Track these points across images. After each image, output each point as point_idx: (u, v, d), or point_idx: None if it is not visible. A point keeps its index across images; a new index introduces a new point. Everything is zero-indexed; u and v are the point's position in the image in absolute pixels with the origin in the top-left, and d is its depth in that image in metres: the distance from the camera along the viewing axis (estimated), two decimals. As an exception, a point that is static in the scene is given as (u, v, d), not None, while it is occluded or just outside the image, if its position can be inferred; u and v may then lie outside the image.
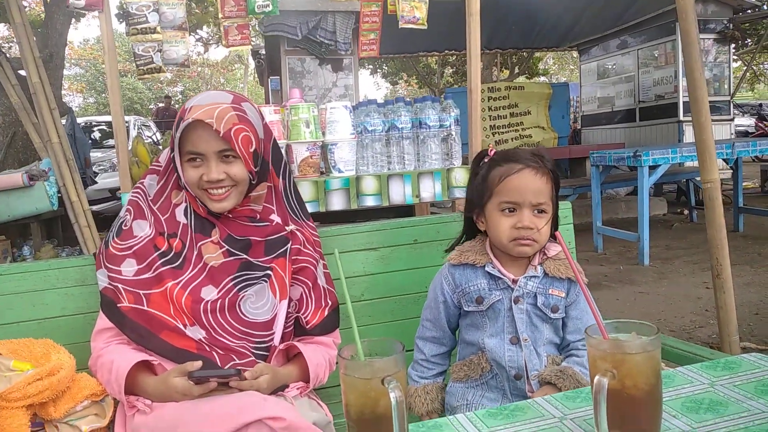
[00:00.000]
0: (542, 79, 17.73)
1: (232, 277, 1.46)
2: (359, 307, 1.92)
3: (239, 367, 1.31)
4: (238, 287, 1.45)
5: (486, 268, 1.41)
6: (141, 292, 1.40)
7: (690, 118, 7.76)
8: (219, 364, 1.36)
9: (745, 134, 14.16)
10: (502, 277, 1.39)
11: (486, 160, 1.42)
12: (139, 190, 1.53)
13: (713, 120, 7.49)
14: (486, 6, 2.78)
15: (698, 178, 7.01)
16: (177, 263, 1.43)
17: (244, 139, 1.39)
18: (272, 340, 1.46)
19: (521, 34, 9.34)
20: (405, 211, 4.22)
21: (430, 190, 2.54)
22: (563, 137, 9.05)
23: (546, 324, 1.40)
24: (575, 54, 10.47)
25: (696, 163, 7.08)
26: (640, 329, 0.90)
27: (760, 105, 17.48)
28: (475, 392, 1.43)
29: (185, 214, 1.48)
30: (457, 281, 1.43)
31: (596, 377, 0.84)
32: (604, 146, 7.61)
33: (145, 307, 1.39)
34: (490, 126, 8.28)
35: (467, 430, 0.98)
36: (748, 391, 1.03)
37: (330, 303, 1.59)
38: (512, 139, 8.47)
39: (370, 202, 2.49)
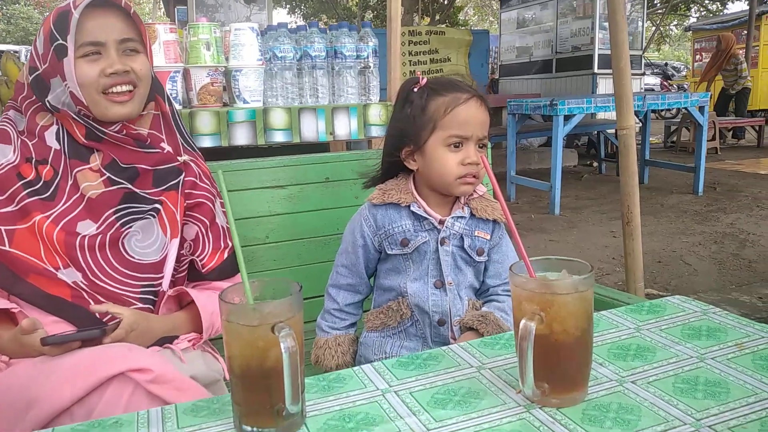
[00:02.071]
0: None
1: (114, 209, 1.25)
2: (263, 250, 1.76)
3: (111, 323, 1.13)
4: (121, 222, 1.26)
5: (411, 208, 1.28)
6: (2, 228, 1.18)
7: (604, 71, 7.91)
8: (97, 316, 1.18)
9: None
10: (428, 217, 1.28)
11: (416, 90, 1.26)
12: (5, 118, 1.29)
13: (611, 75, 7.66)
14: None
15: (609, 131, 7.23)
16: (47, 194, 1.22)
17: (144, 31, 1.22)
18: (161, 284, 1.28)
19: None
20: (318, 151, 4.02)
21: (345, 127, 2.36)
22: (481, 86, 9.03)
23: (469, 267, 1.31)
24: (495, 6, 10.39)
25: (607, 115, 7.28)
26: (571, 267, 0.80)
27: (666, 64, 18.24)
28: (393, 342, 1.32)
29: (57, 139, 1.25)
30: (380, 222, 1.30)
31: (522, 321, 0.73)
32: (521, 96, 7.65)
33: (7, 247, 1.17)
34: (410, 71, 8.09)
35: (375, 383, 0.85)
36: (675, 336, 0.96)
37: (230, 244, 1.43)
38: (432, 85, 8.34)
39: (279, 137, 2.29)
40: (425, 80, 1.28)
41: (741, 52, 9.62)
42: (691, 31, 15.13)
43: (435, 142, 1.23)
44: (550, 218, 5.29)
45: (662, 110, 12.40)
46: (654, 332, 0.98)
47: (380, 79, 2.45)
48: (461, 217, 1.29)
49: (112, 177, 1.26)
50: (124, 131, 1.27)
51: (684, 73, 17.44)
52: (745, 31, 11.97)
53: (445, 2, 13.84)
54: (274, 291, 0.78)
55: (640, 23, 8.26)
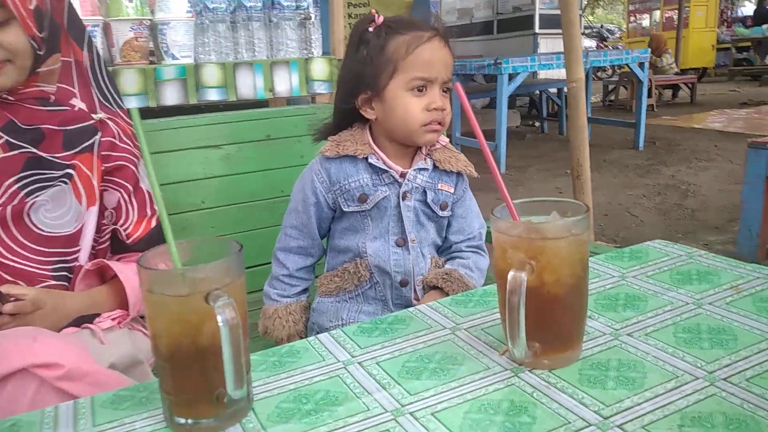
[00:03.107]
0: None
1: (16, 178, 1.07)
2: (199, 216, 1.59)
3: (13, 297, 0.96)
4: (25, 191, 1.07)
5: (369, 161, 1.14)
6: None
7: (545, 31, 7.86)
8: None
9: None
10: (388, 170, 1.14)
11: (372, 29, 1.11)
12: None
13: (552, 35, 7.64)
14: None
15: (551, 90, 7.23)
16: None
17: None
18: (77, 258, 1.11)
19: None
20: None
21: (285, 83, 2.19)
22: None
23: (432, 223, 1.20)
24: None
25: (549, 74, 7.25)
26: (561, 208, 0.68)
27: (601, 26, 18.50)
28: (349, 307, 1.20)
29: None
30: (334, 177, 1.16)
31: (510, 273, 0.61)
32: (463, 57, 7.54)
33: None
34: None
35: (334, 355, 0.72)
36: (664, 281, 0.87)
37: (158, 210, 1.26)
38: (372, 49, 8.13)
39: (213, 95, 2.10)
40: (381, 18, 1.12)
41: (669, 49, 9.78)
42: (625, -8, 15.33)
43: (396, 87, 1.09)
44: (498, 179, 5.25)
45: (600, 70, 12.57)
46: (641, 279, 0.88)
47: (323, 32, 2.28)
48: (424, 169, 1.17)
49: (11, 140, 1.07)
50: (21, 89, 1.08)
51: (618, 35, 17.75)
52: (677, -9, 12.21)
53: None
54: (208, 253, 0.64)
55: (577, -18, 8.23)
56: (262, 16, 2.15)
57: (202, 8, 2.08)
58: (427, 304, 0.86)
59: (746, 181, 2.34)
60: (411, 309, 0.84)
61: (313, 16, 2.19)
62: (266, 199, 1.66)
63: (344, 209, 1.16)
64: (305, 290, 1.27)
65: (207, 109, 2.11)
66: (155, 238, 1.22)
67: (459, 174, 1.21)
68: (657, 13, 13.53)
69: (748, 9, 18.97)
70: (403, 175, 1.15)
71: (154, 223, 1.24)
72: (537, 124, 7.82)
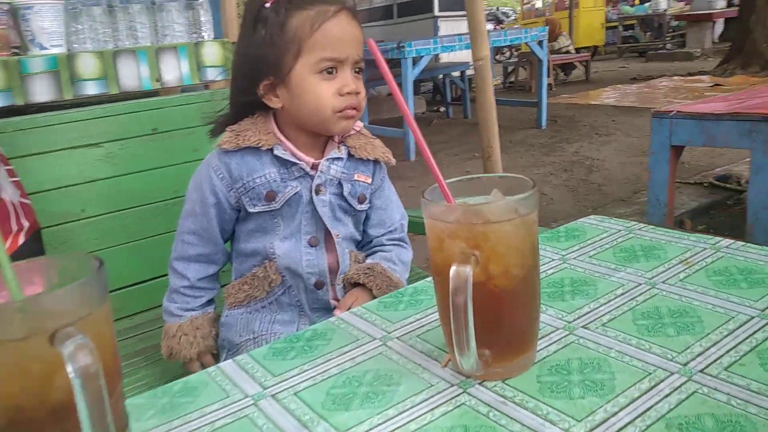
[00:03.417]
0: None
1: None
2: (80, 227, 1.38)
3: None
4: None
5: (275, 152, 1.00)
6: None
7: (445, 14, 7.88)
8: None
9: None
10: (297, 162, 1.01)
11: (268, 4, 0.96)
12: None
13: (463, 16, 7.69)
14: None
15: (455, 73, 7.27)
16: None
17: None
18: None
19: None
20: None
21: (174, 71, 1.98)
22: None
23: (349, 217, 1.08)
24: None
25: (451, 57, 7.28)
26: (502, 185, 0.57)
27: (497, 9, 18.96)
28: (262, 318, 1.05)
29: None
30: (236, 173, 1.00)
31: (452, 268, 0.50)
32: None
33: None
34: (246, 24, 7.56)
35: (241, 388, 0.58)
36: (609, 261, 0.79)
37: (27, 224, 1.07)
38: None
39: (91, 89, 1.87)
40: None
41: (564, 32, 10.10)
42: (516, -24, 15.74)
43: (302, 70, 0.95)
44: (407, 164, 5.20)
45: (498, 52, 12.84)
46: (583, 261, 0.80)
47: (213, 14, 2.09)
48: (338, 158, 1.04)
49: None
50: None
51: (513, 18, 18.26)
52: (566, -27, 12.66)
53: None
54: (60, 275, 0.48)
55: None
56: (143, -1, 1.94)
57: (71, -10, 1.84)
58: (351, 310, 0.74)
59: (651, 151, 2.36)
60: (332, 319, 0.71)
61: (200, -4, 2.00)
62: (158, 201, 1.48)
63: (250, 210, 1.01)
64: (211, 301, 1.11)
65: (86, 104, 1.88)
66: (25, 257, 1.02)
67: (376, 162, 1.09)
68: (548, -5, 13.99)
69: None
70: (314, 167, 1.01)
71: (21, 240, 1.05)
72: (442, 109, 7.85)
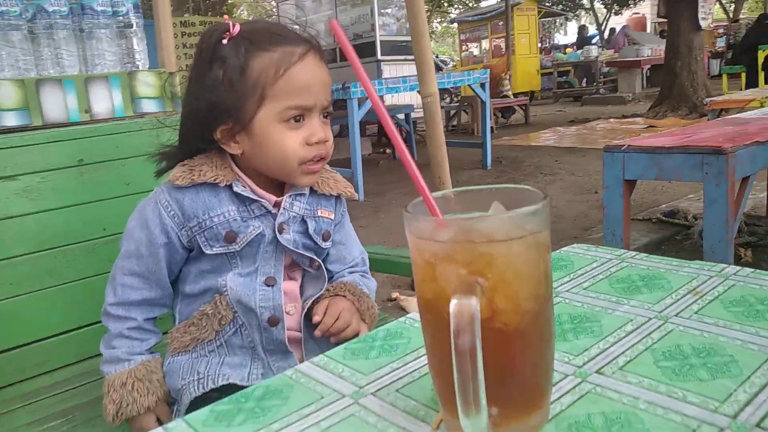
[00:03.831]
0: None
1: None
2: (-4, 271, 1.21)
3: None
4: None
5: (235, 189, 0.91)
6: None
7: (387, 58, 7.96)
8: None
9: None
10: (258, 199, 0.92)
11: (226, 41, 0.87)
12: None
13: (407, 60, 7.79)
14: None
15: (399, 116, 7.29)
16: None
17: None
18: None
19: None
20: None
21: (105, 102, 1.82)
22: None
23: (311, 252, 0.99)
24: (273, 3, 10.06)
25: (395, 100, 7.31)
26: (503, 197, 0.46)
27: (436, 56, 19.43)
28: (209, 362, 0.92)
29: None
30: (189, 211, 0.91)
31: (454, 301, 0.38)
32: (310, 86, 7.39)
33: None
34: (187, 65, 7.39)
35: (174, 467, 0.44)
36: (607, 293, 0.69)
37: None
38: (213, 80, 7.73)
39: (11, 120, 1.68)
40: (238, 27, 0.88)
41: (506, 76, 10.40)
42: (456, 24, 16.23)
43: (266, 118, 0.87)
44: (356, 204, 5.10)
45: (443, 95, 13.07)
46: (578, 294, 0.70)
47: (149, 42, 1.96)
48: (300, 194, 0.96)
49: None
50: None
51: (452, 65, 18.73)
52: (502, 22, 13.12)
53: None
54: None
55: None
56: (70, 23, 1.79)
57: (-12, 13, 1.68)
58: (311, 361, 0.60)
59: (605, 185, 2.34)
60: (289, 372, 0.58)
61: (134, 23, 1.86)
62: (85, 240, 1.32)
63: (206, 251, 0.91)
64: (155, 346, 0.98)
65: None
66: None
67: (337, 197, 1.02)
68: (486, 42, 14.43)
69: (562, 38, 20.96)
70: (276, 205, 0.93)
71: None
72: (388, 150, 7.84)
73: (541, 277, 0.43)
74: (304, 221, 0.96)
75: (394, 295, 2.71)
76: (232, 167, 0.93)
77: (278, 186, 0.95)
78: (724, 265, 0.73)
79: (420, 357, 0.59)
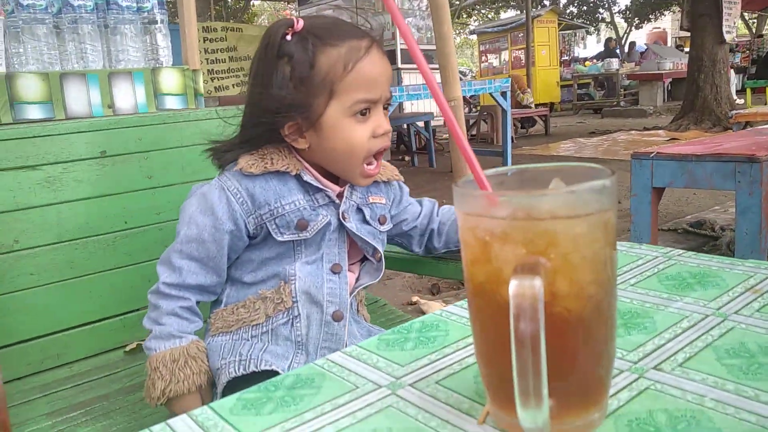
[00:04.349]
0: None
1: None
2: (13, 260, 1.19)
3: None
4: None
5: (304, 178, 0.92)
6: None
7: (407, 66, 7.96)
8: None
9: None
10: (324, 189, 0.94)
11: (290, 37, 0.88)
12: None
13: (416, 70, 7.75)
14: None
15: (419, 123, 7.27)
16: None
17: None
18: None
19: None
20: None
21: (129, 97, 1.81)
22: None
23: (377, 240, 1.01)
24: (294, 12, 10.14)
25: (414, 108, 7.29)
26: (568, 176, 0.43)
27: (456, 67, 19.41)
28: (252, 346, 0.91)
29: None
30: (260, 199, 0.91)
31: (514, 281, 0.35)
32: (329, 93, 7.40)
33: None
34: (209, 70, 7.43)
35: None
36: (659, 290, 0.64)
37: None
38: (233, 85, 7.74)
39: (34, 113, 1.68)
40: (302, 23, 0.89)
41: (527, 93, 10.36)
42: (476, 35, 16.23)
43: (336, 113, 0.88)
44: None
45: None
46: (627, 290, 0.65)
47: (173, 39, 1.95)
48: (353, 185, 0.99)
49: None
50: None
51: (471, 76, 18.72)
52: (522, 33, 13.08)
53: (240, 5, 13.27)
54: None
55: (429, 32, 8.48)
56: (95, 19, 1.78)
57: (14, 6, 1.68)
58: (343, 351, 0.57)
59: (633, 193, 2.29)
60: (320, 362, 0.54)
61: (159, 19, 1.86)
62: (105, 233, 1.29)
63: (277, 238, 0.91)
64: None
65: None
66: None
67: (386, 183, 1.05)
68: (506, 53, 14.40)
69: (582, 51, 20.91)
70: (339, 195, 0.96)
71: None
72: (407, 158, 7.81)
73: (607, 260, 0.39)
74: (359, 209, 0.98)
75: (414, 299, 2.67)
76: (297, 157, 0.94)
77: (334, 176, 0.97)
78: (782, 264, 0.68)
79: (459, 350, 0.55)
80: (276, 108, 0.88)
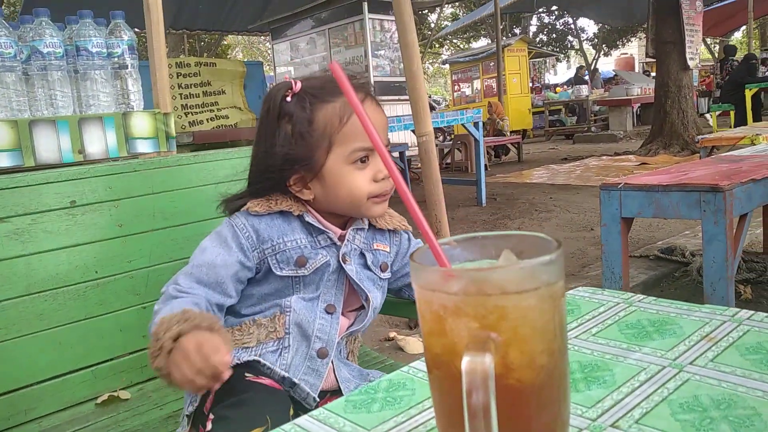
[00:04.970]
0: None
1: None
2: (-21, 314, 1.17)
3: None
4: None
5: (306, 219, 0.99)
6: None
7: (380, 98, 8.09)
8: None
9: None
10: (326, 231, 1.01)
11: (290, 99, 0.96)
12: None
13: (400, 100, 7.88)
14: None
15: (394, 154, 7.31)
16: None
17: None
18: None
19: (210, 13, 8.73)
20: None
21: (99, 142, 1.81)
22: (262, 119, 8.68)
23: (375, 286, 1.06)
24: (264, 47, 10.23)
25: (392, 138, 7.34)
26: (514, 245, 0.44)
27: (429, 96, 19.70)
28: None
29: None
30: (264, 235, 0.98)
31: (466, 358, 0.36)
32: (304, 126, 7.42)
33: None
34: (182, 105, 7.43)
35: None
36: (618, 339, 0.66)
37: None
38: (207, 119, 7.75)
39: (3, 161, 1.67)
40: (299, 85, 0.97)
41: (504, 121, 10.54)
42: (448, 65, 16.49)
43: (336, 162, 0.95)
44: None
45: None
46: (588, 340, 0.67)
47: (144, 83, 1.96)
48: (361, 228, 1.05)
49: None
50: None
51: (444, 105, 18.98)
52: (493, 63, 13.33)
53: (213, 39, 13.35)
54: None
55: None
56: (65, 65, 1.79)
57: (-18, 55, 1.68)
58: (309, 414, 0.57)
59: (603, 223, 2.33)
60: (287, 426, 0.55)
61: (129, 64, 1.87)
62: (74, 284, 1.28)
63: (277, 272, 0.97)
64: None
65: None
66: None
67: (392, 231, 1.10)
68: (477, 82, 14.64)
69: (553, 77, 21.36)
70: (340, 238, 1.02)
71: None
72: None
73: (557, 330, 0.41)
74: (362, 254, 1.04)
75: (392, 334, 2.67)
76: (302, 202, 1.00)
77: (341, 221, 1.03)
78: (737, 309, 0.70)
79: (426, 410, 0.56)
80: (281, 163, 0.96)
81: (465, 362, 0.36)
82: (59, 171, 1.33)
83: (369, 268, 1.04)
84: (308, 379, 0.97)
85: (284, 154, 0.95)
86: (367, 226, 1.06)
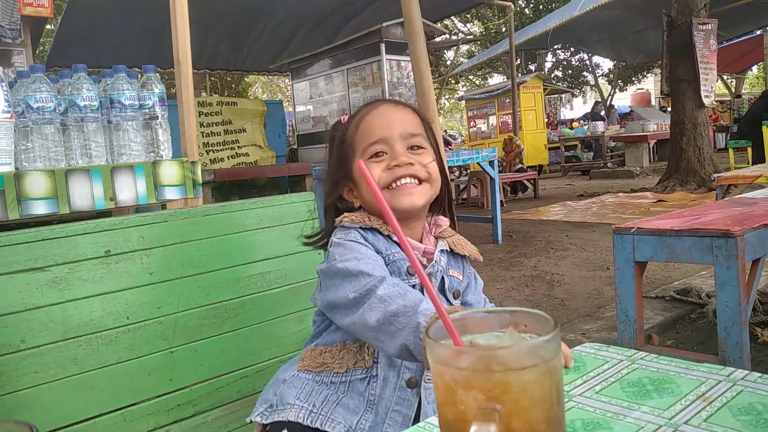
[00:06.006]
0: (254, 103, 17.80)
1: None
2: (18, 360, 1.24)
3: None
4: None
5: (394, 237, 1.03)
6: None
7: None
8: None
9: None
10: (417, 247, 1.07)
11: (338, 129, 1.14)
12: None
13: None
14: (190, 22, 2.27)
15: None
16: None
17: None
18: None
19: (230, 53, 8.98)
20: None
21: (130, 190, 1.91)
22: (281, 156, 8.84)
23: None
24: (284, 84, 10.47)
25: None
26: (516, 321, 0.50)
27: (445, 131, 19.86)
28: (328, 394, 0.97)
29: None
30: (376, 246, 1.01)
31: (473, 429, 0.41)
32: (323, 162, 7.55)
33: None
34: (204, 143, 7.63)
35: None
36: (619, 398, 0.71)
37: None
38: (228, 157, 7.94)
39: (39, 209, 1.76)
40: (347, 117, 1.13)
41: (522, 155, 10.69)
42: (464, 101, 16.69)
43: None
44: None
45: (449, 172, 13.28)
46: (591, 398, 0.72)
47: (173, 133, 2.06)
48: (444, 250, 1.07)
49: None
50: None
51: (460, 140, 19.15)
52: (508, 99, 13.48)
53: (233, 78, 13.67)
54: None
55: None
56: (100, 117, 1.89)
57: (24, 108, 1.79)
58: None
59: (616, 266, 2.36)
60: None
61: (159, 115, 1.97)
62: (107, 329, 1.35)
63: None
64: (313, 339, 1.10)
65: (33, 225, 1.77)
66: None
67: (464, 260, 1.13)
68: (493, 118, 14.78)
69: (568, 113, 21.48)
70: (426, 257, 1.05)
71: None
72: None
73: (554, 400, 0.46)
74: (443, 278, 1.05)
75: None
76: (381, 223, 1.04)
77: (411, 233, 1.07)
78: (732, 369, 0.75)
79: (439, 465, 0.61)
80: (335, 181, 1.09)
81: (473, 431, 0.41)
82: (95, 222, 1.41)
83: (445, 293, 1.05)
84: (400, 410, 0.97)
85: (332, 173, 1.10)
86: (448, 249, 1.07)
